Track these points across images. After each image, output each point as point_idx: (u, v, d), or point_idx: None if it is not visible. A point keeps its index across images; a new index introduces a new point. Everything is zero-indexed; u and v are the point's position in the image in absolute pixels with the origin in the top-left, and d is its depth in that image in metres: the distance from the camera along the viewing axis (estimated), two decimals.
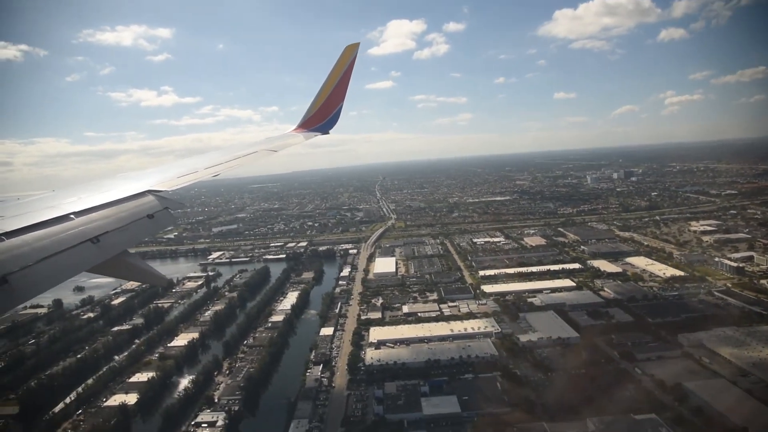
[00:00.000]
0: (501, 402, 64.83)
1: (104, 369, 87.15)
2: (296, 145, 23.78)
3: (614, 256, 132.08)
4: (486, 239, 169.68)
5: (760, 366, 67.37)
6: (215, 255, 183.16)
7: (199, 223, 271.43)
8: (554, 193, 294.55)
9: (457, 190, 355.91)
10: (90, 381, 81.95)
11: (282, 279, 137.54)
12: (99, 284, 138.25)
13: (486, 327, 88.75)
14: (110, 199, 10.53)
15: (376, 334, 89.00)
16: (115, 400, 75.39)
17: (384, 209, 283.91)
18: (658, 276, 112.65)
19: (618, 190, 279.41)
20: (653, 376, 68.12)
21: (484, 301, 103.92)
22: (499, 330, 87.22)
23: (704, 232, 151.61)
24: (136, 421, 72.52)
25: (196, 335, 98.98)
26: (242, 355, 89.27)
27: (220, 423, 66.20)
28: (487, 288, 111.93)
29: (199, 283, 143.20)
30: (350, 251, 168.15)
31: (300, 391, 72.82)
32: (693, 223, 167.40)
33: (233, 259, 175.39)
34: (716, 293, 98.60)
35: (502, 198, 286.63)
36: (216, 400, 72.92)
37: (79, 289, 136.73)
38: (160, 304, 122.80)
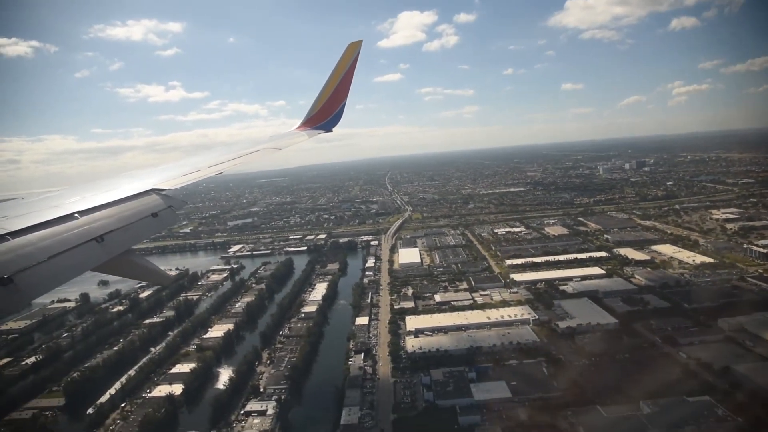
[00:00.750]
0: (550, 386, 65.22)
1: (144, 360, 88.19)
2: (300, 143, 23.75)
3: (639, 245, 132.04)
4: (507, 229, 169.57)
5: None
6: (236, 248, 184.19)
7: (213, 217, 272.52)
8: (568, 183, 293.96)
9: (469, 181, 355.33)
10: (132, 372, 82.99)
11: (308, 271, 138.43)
12: (123, 278, 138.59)
13: (523, 314, 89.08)
14: (114, 198, 10.48)
15: (412, 322, 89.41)
16: (160, 390, 76.24)
17: (398, 201, 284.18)
18: (687, 263, 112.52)
19: (632, 180, 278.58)
20: (699, 360, 68.28)
21: (515, 290, 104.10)
22: (536, 317, 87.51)
23: (727, 220, 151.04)
24: (182, 411, 73.36)
25: (230, 326, 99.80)
26: (280, 346, 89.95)
27: (270, 412, 66.69)
28: (517, 276, 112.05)
29: (224, 275, 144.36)
30: (371, 243, 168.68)
31: (346, 379, 73.29)
32: (714, 211, 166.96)
33: (254, 252, 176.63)
34: (749, 279, 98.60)
35: (516, 189, 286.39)
36: (262, 390, 73.58)
37: (104, 283, 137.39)
38: (189, 297, 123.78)
